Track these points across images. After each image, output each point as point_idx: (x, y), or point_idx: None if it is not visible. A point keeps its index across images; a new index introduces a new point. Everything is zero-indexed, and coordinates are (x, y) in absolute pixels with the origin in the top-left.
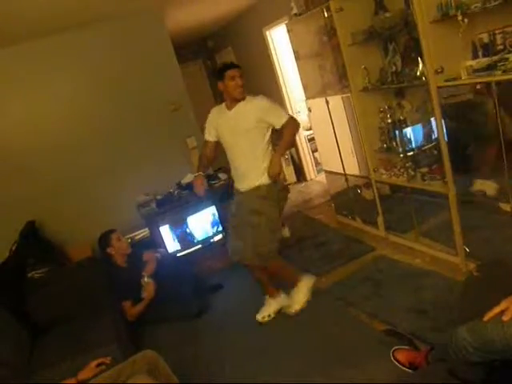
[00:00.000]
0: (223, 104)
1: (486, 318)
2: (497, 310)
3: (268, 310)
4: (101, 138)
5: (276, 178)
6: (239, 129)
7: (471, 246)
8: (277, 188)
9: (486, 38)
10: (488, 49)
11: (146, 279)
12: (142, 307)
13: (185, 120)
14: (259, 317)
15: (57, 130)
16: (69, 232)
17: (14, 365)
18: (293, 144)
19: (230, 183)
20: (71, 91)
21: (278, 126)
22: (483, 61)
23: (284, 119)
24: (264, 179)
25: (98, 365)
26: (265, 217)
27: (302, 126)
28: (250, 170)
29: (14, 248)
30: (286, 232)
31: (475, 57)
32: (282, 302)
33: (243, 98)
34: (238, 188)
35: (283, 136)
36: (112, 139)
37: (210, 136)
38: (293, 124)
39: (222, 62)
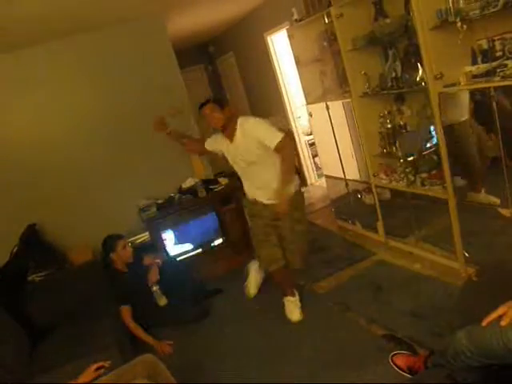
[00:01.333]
0: (221, 134)
1: (484, 323)
2: (495, 314)
3: (297, 306)
4: (102, 141)
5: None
6: (246, 159)
7: (471, 251)
8: (300, 195)
9: (485, 44)
10: (487, 55)
11: (154, 288)
12: (141, 335)
13: (186, 125)
14: (295, 317)
15: (59, 133)
16: (69, 235)
17: (14, 368)
18: (293, 164)
19: (232, 188)
20: (73, 95)
21: (272, 147)
22: (482, 67)
23: (278, 139)
24: (288, 189)
25: (98, 369)
26: (304, 223)
27: (302, 131)
28: (271, 185)
29: (14, 251)
30: None
31: (474, 63)
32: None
33: (226, 127)
34: (259, 200)
35: (281, 163)
36: (113, 143)
37: (209, 147)
38: (288, 144)
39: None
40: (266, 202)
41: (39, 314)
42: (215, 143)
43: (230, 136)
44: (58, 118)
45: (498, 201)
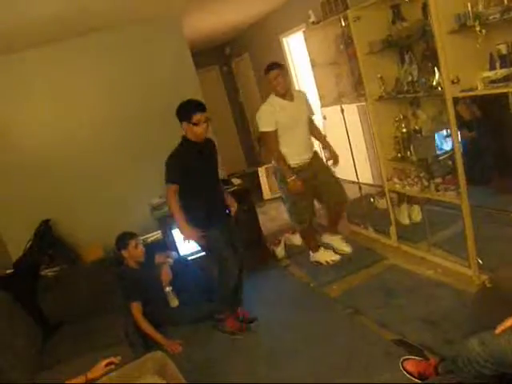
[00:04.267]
0: (274, 97)
1: (497, 331)
2: (509, 322)
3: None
4: (117, 139)
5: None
6: (301, 117)
7: (484, 258)
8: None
9: (503, 49)
10: (506, 60)
11: (167, 289)
12: (151, 332)
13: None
14: (347, 248)
15: (74, 130)
16: (82, 232)
17: (27, 359)
18: None
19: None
20: (88, 94)
21: (311, 114)
22: (501, 72)
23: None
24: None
25: (108, 364)
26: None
27: None
28: (310, 142)
29: (28, 246)
30: (298, 239)
31: (492, 68)
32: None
33: (287, 92)
34: (303, 160)
35: (318, 129)
36: (128, 141)
37: (271, 126)
38: None
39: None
40: (308, 158)
41: (51, 308)
42: (271, 117)
43: (291, 97)
44: (73, 116)
45: None
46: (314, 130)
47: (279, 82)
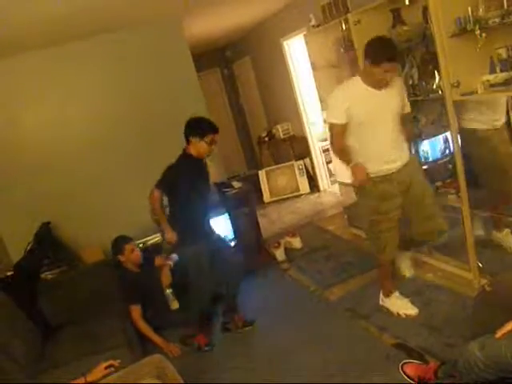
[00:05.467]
0: (359, 81)
1: (498, 335)
2: (509, 326)
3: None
4: (117, 143)
5: None
6: (392, 110)
7: (484, 262)
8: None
9: (504, 52)
10: (506, 64)
11: (167, 291)
12: (150, 335)
13: None
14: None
15: (75, 132)
16: (82, 234)
17: (26, 363)
18: None
19: (245, 192)
20: (89, 96)
21: (407, 110)
22: (501, 76)
23: (409, 108)
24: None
25: (107, 367)
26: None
27: (316, 137)
28: (401, 143)
29: (29, 248)
30: (298, 242)
31: (493, 71)
32: None
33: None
34: (387, 168)
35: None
36: (129, 143)
37: (341, 118)
38: None
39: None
40: (395, 167)
41: (51, 310)
42: (343, 106)
43: (386, 85)
44: (75, 118)
45: None
46: (405, 129)
47: (388, 78)
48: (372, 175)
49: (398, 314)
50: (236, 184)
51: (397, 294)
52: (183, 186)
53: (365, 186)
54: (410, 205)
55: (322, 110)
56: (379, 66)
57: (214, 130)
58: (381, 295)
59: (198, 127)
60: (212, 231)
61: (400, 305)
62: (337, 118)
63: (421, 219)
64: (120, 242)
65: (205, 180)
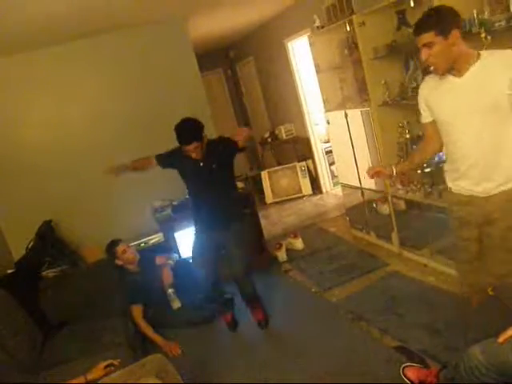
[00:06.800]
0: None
1: (500, 340)
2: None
3: None
4: (120, 141)
5: None
6: (479, 104)
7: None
8: None
9: None
10: None
11: (169, 291)
12: (151, 334)
13: (203, 129)
14: None
15: (76, 132)
16: (83, 233)
17: (26, 360)
18: None
19: (247, 193)
20: (92, 95)
21: None
22: None
23: None
24: None
25: (107, 366)
26: None
27: (319, 138)
28: (496, 155)
29: (30, 246)
30: (300, 244)
31: None
32: None
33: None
34: (474, 190)
35: None
36: (131, 143)
37: (425, 116)
38: None
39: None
40: (484, 190)
41: (52, 308)
42: (423, 101)
43: (458, 71)
44: (76, 117)
45: None
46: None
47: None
48: (455, 191)
49: None
50: (238, 185)
51: None
52: (182, 175)
53: None
54: (487, 247)
55: (326, 111)
56: (452, 31)
57: (181, 142)
58: None
59: (176, 135)
60: (225, 227)
61: None
62: (422, 115)
63: (489, 264)
64: (110, 247)
65: (206, 178)
